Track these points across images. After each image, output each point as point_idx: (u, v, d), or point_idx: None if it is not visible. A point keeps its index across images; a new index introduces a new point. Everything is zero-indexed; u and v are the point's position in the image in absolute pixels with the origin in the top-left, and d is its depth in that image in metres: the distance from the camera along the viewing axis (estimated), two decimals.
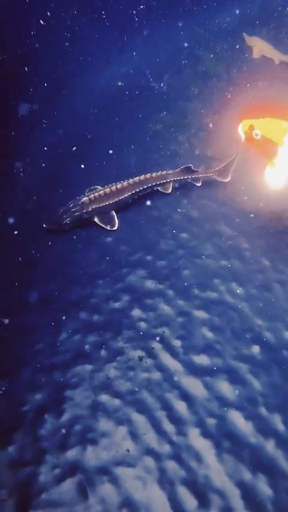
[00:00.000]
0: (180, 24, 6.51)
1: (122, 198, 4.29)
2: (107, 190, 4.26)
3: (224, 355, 3.33)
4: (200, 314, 3.57)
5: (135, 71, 6.15)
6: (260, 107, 4.84)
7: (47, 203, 4.49)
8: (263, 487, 2.77)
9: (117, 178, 4.37)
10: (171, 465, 2.87)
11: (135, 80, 6.02)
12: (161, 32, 6.45)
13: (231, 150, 4.54)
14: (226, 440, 2.95)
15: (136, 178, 4.35)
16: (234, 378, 3.22)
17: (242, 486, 2.78)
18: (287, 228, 4.14)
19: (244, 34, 6.04)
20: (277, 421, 3.02)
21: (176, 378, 3.23)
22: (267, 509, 2.70)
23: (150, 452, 2.93)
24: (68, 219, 4.13)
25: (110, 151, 5.00)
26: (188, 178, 4.50)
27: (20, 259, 4.03)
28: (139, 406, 3.11)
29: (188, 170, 4.46)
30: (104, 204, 4.23)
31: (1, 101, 4.77)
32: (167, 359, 3.33)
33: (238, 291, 3.69)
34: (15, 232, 4.20)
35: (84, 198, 4.22)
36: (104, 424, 3.04)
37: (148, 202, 4.47)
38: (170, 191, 4.50)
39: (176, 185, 4.55)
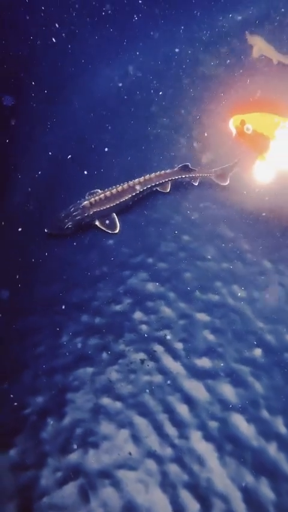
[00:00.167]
0: (180, 26, 6.51)
1: (123, 201, 4.29)
2: (108, 193, 4.26)
3: (226, 358, 3.33)
4: (202, 317, 3.56)
5: (134, 73, 6.15)
6: (254, 103, 4.85)
7: (48, 205, 4.49)
8: (266, 490, 2.76)
9: (117, 181, 4.37)
10: (173, 468, 2.87)
11: (135, 82, 6.02)
12: (160, 34, 6.45)
13: (232, 154, 4.53)
14: (228, 443, 2.94)
15: (136, 180, 4.35)
16: (236, 381, 3.21)
17: (244, 489, 2.77)
18: None
19: (246, 32, 6.07)
20: (279, 424, 3.01)
21: (177, 381, 3.22)
22: None
23: (152, 455, 2.92)
24: (70, 223, 4.13)
25: (110, 154, 5.01)
26: (186, 177, 4.51)
27: (21, 261, 4.03)
28: (141, 409, 3.10)
29: (186, 169, 4.48)
30: (104, 207, 4.22)
31: (1, 103, 4.77)
32: (168, 362, 3.32)
33: (240, 293, 3.68)
34: (17, 234, 4.19)
35: (85, 202, 4.22)
36: (105, 427, 3.04)
37: (149, 205, 4.47)
38: (168, 190, 4.51)
39: (175, 184, 4.56)
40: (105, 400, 3.15)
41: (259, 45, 6.01)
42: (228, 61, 6.09)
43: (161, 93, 5.84)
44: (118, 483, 2.82)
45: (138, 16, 6.21)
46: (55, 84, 5.46)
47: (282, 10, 6.41)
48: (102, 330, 3.52)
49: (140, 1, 6.15)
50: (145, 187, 4.37)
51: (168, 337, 3.45)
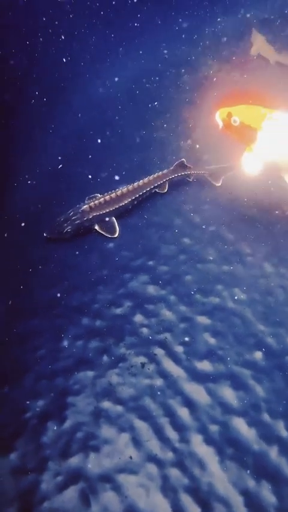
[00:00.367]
0: (180, 26, 6.52)
1: (122, 205, 4.29)
2: (107, 197, 4.26)
3: (227, 361, 3.32)
4: (203, 320, 3.55)
5: (134, 74, 6.16)
6: (239, 96, 4.85)
7: (48, 206, 4.50)
8: (267, 495, 2.75)
9: (117, 181, 4.37)
10: (174, 472, 2.86)
11: (135, 83, 6.03)
12: (160, 35, 6.46)
13: (231, 156, 4.52)
14: (229, 447, 2.93)
15: (135, 184, 4.36)
16: (237, 384, 3.20)
17: (246, 493, 2.76)
18: None
19: (253, 29, 6.09)
20: (280, 428, 3.00)
21: (178, 384, 3.21)
22: None
23: (153, 459, 2.91)
24: (69, 227, 4.12)
25: (110, 154, 5.01)
26: (182, 174, 4.56)
27: (21, 264, 4.03)
28: (142, 413, 3.09)
29: (182, 165, 4.53)
30: (104, 212, 4.22)
31: (1, 103, 4.77)
32: (169, 365, 3.31)
33: (241, 296, 3.68)
34: (17, 237, 4.19)
35: (84, 206, 4.21)
36: (106, 431, 3.03)
37: (150, 207, 4.47)
38: (166, 190, 4.54)
39: (175, 185, 4.59)
40: (106, 404, 3.14)
41: (259, 44, 6.03)
42: (228, 62, 6.10)
43: (160, 95, 5.84)
44: (119, 487, 2.81)
45: (137, 17, 6.22)
46: (55, 84, 5.48)
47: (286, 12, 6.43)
48: (102, 333, 3.52)
49: (139, 2, 6.16)
50: (144, 191, 4.37)
51: (169, 340, 3.44)
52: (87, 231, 4.23)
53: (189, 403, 3.13)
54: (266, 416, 3.04)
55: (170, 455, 2.92)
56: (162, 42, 6.44)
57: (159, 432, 3.01)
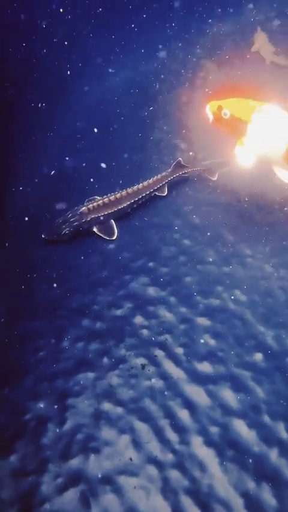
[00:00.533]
0: (179, 27, 6.51)
1: (121, 208, 4.28)
2: (106, 200, 4.25)
3: (227, 363, 3.32)
4: (203, 321, 3.55)
5: (133, 75, 6.15)
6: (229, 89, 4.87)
7: (48, 206, 4.49)
8: (267, 497, 2.75)
9: (116, 185, 4.37)
10: (174, 474, 2.86)
11: (134, 84, 6.03)
12: (159, 36, 6.45)
13: (228, 154, 4.52)
14: (229, 448, 2.93)
15: (135, 187, 4.35)
16: (237, 386, 3.20)
17: (246, 495, 2.76)
18: None
19: (258, 28, 6.09)
20: (281, 429, 3.00)
21: (178, 386, 3.22)
22: None
23: (153, 461, 2.91)
24: (67, 229, 4.12)
25: (110, 154, 5.01)
26: (180, 174, 4.58)
27: (22, 265, 4.02)
28: (142, 414, 3.09)
29: (179, 165, 4.54)
30: (102, 214, 4.21)
31: (1, 104, 4.77)
32: (169, 367, 3.31)
33: (241, 297, 3.68)
34: (17, 238, 4.19)
35: (83, 208, 4.21)
36: (106, 432, 3.03)
37: (150, 209, 4.47)
38: (165, 193, 4.54)
39: (175, 187, 4.59)
40: (106, 405, 3.14)
41: (259, 43, 6.03)
42: (229, 65, 6.09)
43: (160, 97, 5.84)
44: (119, 489, 2.81)
45: (137, 18, 6.21)
46: (55, 85, 5.47)
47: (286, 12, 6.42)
48: (103, 334, 3.52)
49: (138, 3, 6.15)
50: (144, 194, 4.37)
51: (169, 341, 3.44)
52: (85, 233, 4.23)
53: (189, 404, 3.13)
54: (266, 418, 3.04)
55: (170, 457, 2.92)
56: (160, 44, 6.44)
57: (159, 434, 3.01)
